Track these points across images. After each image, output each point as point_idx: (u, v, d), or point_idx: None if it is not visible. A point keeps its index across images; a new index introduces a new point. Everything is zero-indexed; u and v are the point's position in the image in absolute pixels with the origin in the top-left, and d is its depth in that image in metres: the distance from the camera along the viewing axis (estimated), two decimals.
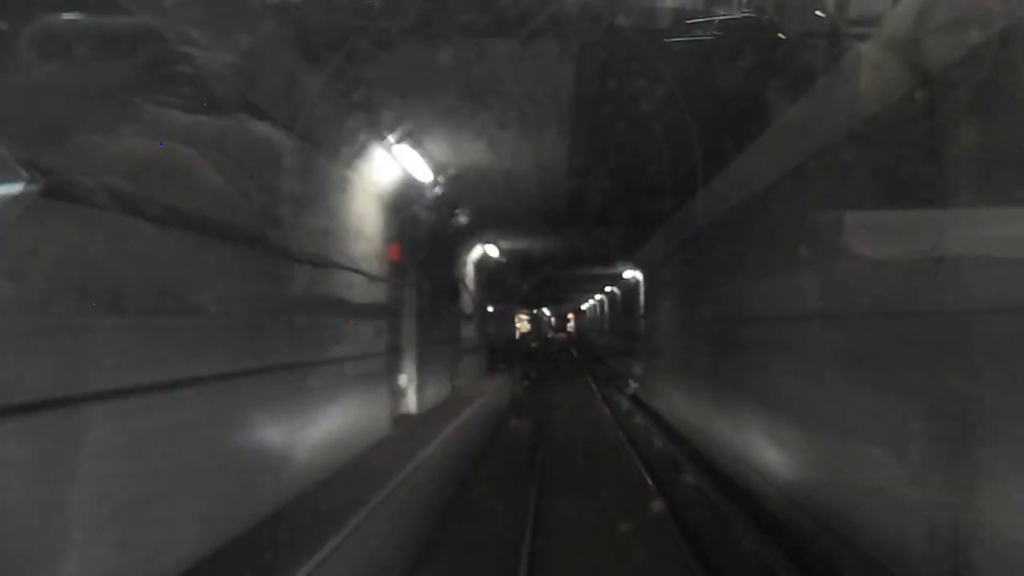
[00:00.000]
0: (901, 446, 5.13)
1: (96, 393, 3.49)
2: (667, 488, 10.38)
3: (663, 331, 17.31)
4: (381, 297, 9.28)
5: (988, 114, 4.26)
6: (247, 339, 5.30)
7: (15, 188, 2.85)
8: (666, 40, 5.86)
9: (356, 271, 8.05)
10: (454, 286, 15.89)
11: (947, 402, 4.56)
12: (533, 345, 51.44)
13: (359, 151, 7.80)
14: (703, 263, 12.37)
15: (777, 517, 7.64)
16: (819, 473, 6.86)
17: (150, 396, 3.94)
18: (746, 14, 5.44)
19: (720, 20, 5.49)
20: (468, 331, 17.92)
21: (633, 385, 22.51)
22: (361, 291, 8.31)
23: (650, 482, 10.81)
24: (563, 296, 51.20)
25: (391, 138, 8.07)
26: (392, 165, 8.77)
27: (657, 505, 9.43)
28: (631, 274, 27.02)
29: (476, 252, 18.23)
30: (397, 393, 10.54)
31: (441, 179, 9.98)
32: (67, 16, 3.28)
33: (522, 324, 63.08)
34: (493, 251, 18.71)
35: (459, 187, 11.02)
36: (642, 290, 25.01)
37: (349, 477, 7.02)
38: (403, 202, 10.01)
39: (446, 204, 11.65)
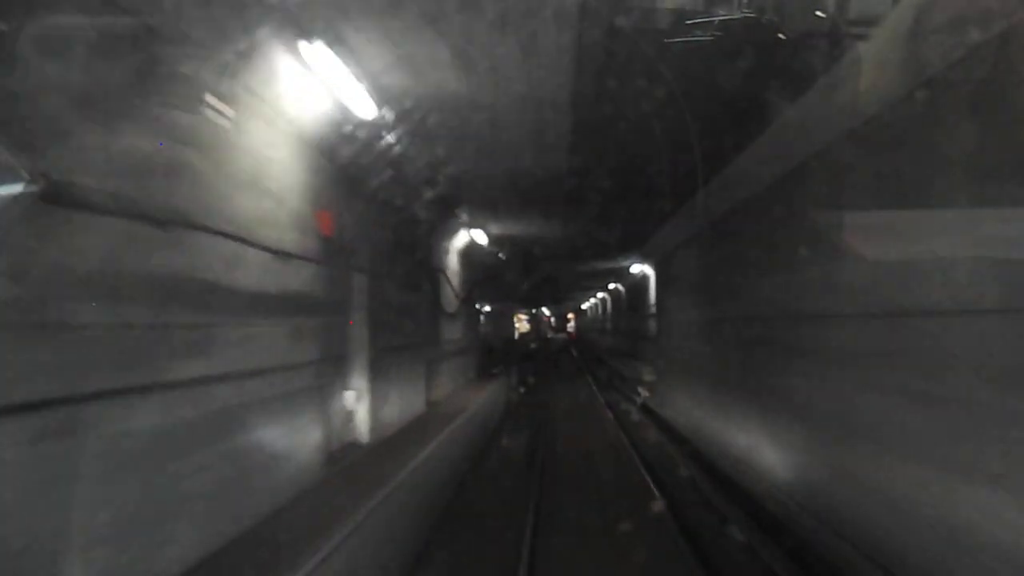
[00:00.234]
0: None
1: None
2: (718, 552, 7.57)
3: (680, 332, 14.50)
4: (304, 285, 6.47)
5: None
6: None
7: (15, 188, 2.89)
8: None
9: (249, 243, 5.23)
10: (433, 277, 13.06)
11: None
12: (532, 346, 51.28)
13: (252, 58, 4.97)
14: (741, 247, 9.56)
15: None
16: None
17: None
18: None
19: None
20: (452, 331, 15.07)
21: (643, 392, 19.65)
22: (260, 273, 5.50)
23: (685, 542, 7.97)
24: (563, 295, 49.51)
25: (306, 43, 5.22)
26: (318, 91, 5.94)
27: None
28: (638, 268, 24.39)
29: (461, 238, 15.37)
30: (337, 417, 7.73)
31: (394, 117, 7.12)
32: None
33: (521, 324, 62.33)
34: (482, 238, 15.86)
35: (425, 136, 8.20)
36: (652, 285, 22.42)
37: None
38: (344, 153, 7.19)
39: (410, 162, 8.81)
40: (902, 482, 5.06)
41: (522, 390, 25.03)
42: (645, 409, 18.22)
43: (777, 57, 6.26)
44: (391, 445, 8.69)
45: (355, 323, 8.28)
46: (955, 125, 4.42)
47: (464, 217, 14.07)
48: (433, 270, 13.07)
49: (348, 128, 6.65)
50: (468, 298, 17.29)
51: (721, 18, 5.79)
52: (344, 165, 7.35)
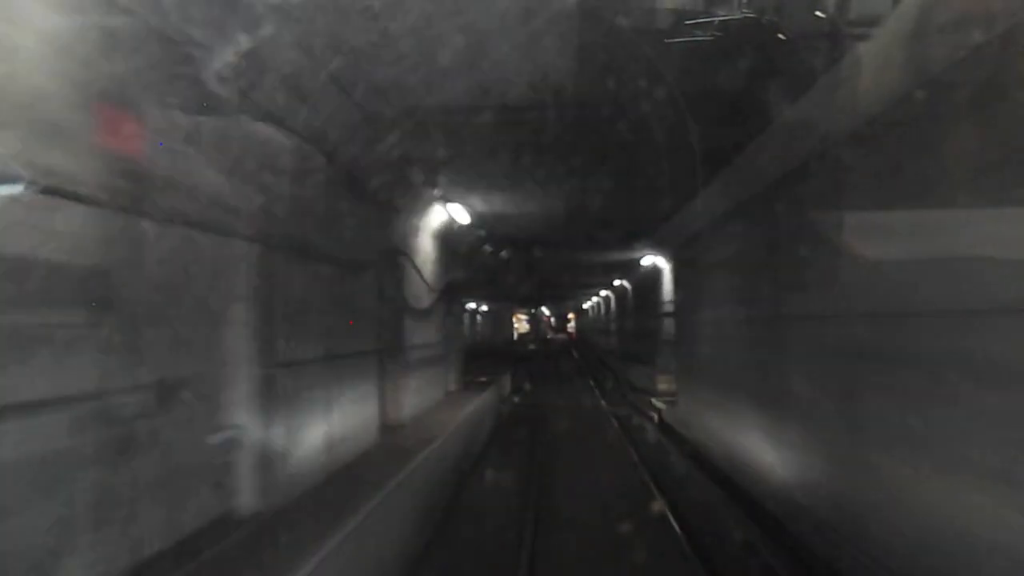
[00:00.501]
0: None
1: None
2: None
3: (711, 334, 11.29)
4: (78, 254, 3.30)
5: None
6: None
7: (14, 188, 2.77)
8: None
9: None
10: (392, 262, 9.85)
11: None
12: (531, 347, 49.87)
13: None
14: (799, 224, 6.37)
15: None
16: None
17: None
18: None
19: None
20: (424, 334, 11.85)
21: (658, 405, 16.41)
22: None
23: None
24: (564, 293, 46.48)
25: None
26: None
27: None
28: (649, 260, 21.26)
29: (436, 215, 12.13)
30: (184, 487, 4.52)
31: None
32: None
33: (520, 324, 60.08)
34: (463, 216, 12.67)
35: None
36: (665, 279, 19.31)
37: None
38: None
39: (352, 85, 5.59)
40: None
41: (516, 400, 21.97)
42: (664, 428, 15.00)
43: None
44: (297, 513, 5.51)
45: (229, 321, 5.10)
46: None
47: (437, 188, 10.86)
48: (393, 252, 9.87)
49: None
50: (448, 292, 14.09)
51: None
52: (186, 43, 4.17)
